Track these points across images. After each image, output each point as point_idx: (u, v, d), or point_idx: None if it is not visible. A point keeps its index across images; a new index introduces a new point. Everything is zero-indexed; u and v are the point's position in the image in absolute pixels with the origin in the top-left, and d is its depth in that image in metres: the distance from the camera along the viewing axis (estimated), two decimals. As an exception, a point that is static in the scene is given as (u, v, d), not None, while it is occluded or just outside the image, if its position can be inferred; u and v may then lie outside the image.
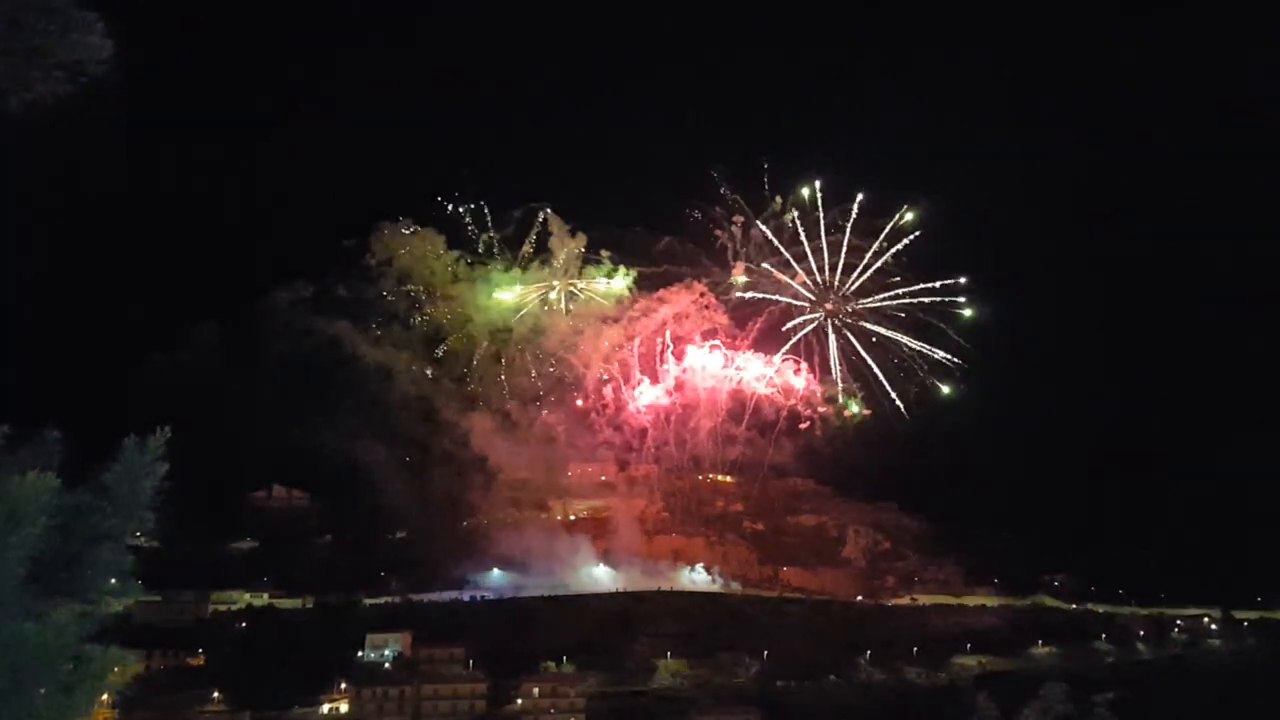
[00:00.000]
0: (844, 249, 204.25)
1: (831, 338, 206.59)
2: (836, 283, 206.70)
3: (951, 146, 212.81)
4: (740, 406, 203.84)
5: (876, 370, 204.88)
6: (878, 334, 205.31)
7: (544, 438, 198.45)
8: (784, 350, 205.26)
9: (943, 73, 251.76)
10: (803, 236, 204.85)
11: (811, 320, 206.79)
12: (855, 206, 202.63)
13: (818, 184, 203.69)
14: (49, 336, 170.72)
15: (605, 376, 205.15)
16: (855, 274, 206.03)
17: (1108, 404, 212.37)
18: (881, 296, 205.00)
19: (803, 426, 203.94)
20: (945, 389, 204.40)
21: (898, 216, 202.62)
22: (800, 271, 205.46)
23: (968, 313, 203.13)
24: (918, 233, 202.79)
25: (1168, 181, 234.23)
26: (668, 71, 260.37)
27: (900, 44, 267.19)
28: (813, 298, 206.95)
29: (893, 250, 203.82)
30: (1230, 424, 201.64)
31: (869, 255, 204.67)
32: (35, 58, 8.49)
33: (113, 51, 8.70)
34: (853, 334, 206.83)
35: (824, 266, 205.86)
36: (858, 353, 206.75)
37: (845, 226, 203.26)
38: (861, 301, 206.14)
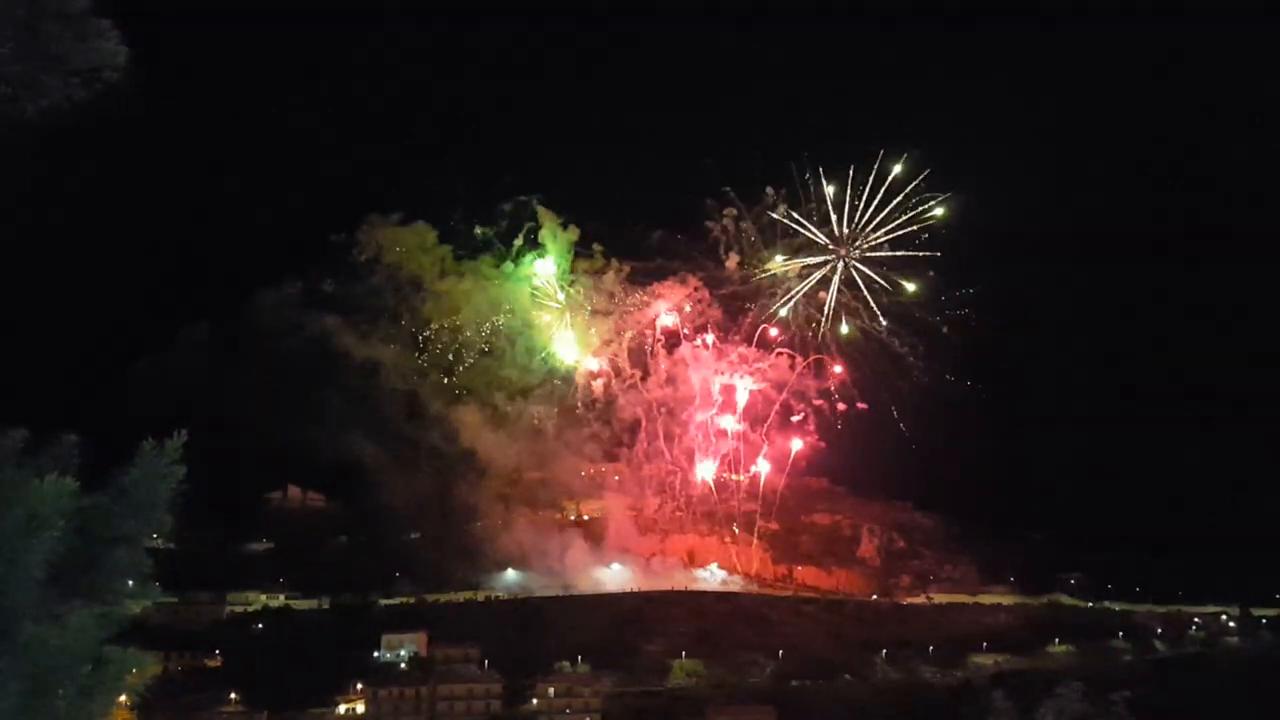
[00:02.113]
0: (844, 213, 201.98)
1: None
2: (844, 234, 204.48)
3: (964, 145, 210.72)
4: (733, 400, 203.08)
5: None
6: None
7: (532, 432, 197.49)
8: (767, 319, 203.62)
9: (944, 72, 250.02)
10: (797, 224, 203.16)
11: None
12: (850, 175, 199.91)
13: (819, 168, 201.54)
14: (63, 339, 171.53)
15: (596, 370, 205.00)
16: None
17: (1124, 401, 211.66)
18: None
19: (795, 420, 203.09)
20: (911, 288, 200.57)
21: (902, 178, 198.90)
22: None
23: (939, 212, 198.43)
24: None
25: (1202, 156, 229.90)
26: (661, 63, 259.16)
27: (894, 36, 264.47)
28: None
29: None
30: (1249, 420, 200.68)
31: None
32: (51, 64, 8.55)
33: (128, 58, 8.77)
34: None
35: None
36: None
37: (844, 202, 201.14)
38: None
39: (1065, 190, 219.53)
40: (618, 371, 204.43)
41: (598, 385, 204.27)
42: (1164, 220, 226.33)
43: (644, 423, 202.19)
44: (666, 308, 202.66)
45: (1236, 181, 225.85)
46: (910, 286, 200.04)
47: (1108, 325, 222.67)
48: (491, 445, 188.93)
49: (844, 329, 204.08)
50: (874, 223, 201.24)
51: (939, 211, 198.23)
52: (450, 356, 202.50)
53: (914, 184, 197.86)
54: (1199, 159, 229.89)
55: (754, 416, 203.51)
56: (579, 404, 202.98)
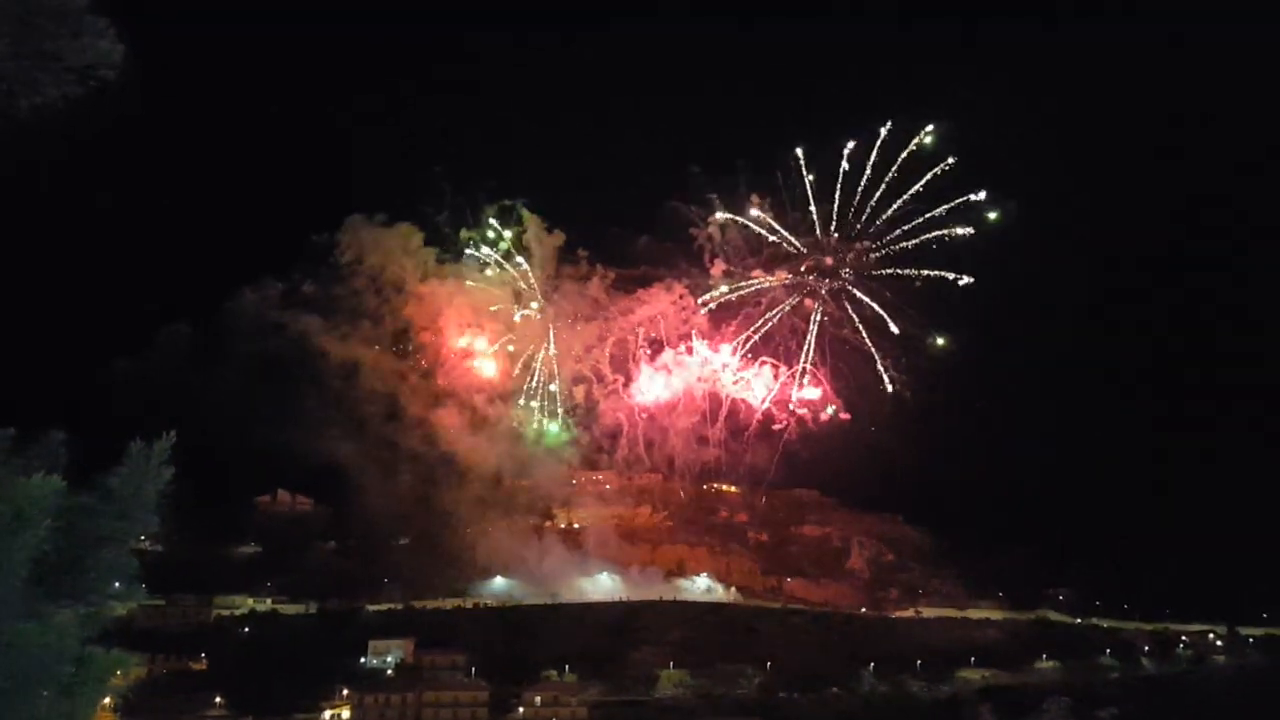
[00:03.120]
0: (835, 204, 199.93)
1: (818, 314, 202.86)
2: (833, 242, 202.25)
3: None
4: (715, 409, 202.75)
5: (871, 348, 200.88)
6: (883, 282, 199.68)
7: (514, 437, 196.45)
8: (753, 332, 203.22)
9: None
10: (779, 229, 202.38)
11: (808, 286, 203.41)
12: (844, 160, 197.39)
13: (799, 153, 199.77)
14: (48, 338, 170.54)
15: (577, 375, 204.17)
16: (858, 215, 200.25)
17: (1114, 417, 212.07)
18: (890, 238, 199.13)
19: (776, 428, 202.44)
20: (940, 341, 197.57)
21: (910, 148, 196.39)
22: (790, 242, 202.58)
23: (992, 215, 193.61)
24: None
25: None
26: (647, 72, 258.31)
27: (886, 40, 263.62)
28: (806, 266, 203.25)
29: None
30: (1240, 438, 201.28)
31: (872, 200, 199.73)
32: (46, 61, 8.53)
33: (124, 55, 8.75)
34: (850, 301, 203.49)
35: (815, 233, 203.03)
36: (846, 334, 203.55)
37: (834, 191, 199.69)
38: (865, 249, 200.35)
39: (1061, 195, 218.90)
40: (600, 377, 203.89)
41: (579, 390, 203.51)
42: (1160, 231, 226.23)
43: (625, 429, 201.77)
44: (650, 314, 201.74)
45: (1239, 188, 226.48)
46: (940, 340, 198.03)
47: (1097, 341, 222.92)
48: (475, 450, 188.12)
49: (828, 412, 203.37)
50: (865, 236, 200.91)
51: (992, 216, 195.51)
52: (432, 360, 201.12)
53: (905, 198, 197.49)
54: (1202, 159, 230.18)
55: (735, 425, 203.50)
56: (562, 411, 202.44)
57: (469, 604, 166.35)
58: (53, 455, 8.42)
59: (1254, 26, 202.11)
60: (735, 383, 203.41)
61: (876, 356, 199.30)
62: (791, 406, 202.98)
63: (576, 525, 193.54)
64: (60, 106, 8.69)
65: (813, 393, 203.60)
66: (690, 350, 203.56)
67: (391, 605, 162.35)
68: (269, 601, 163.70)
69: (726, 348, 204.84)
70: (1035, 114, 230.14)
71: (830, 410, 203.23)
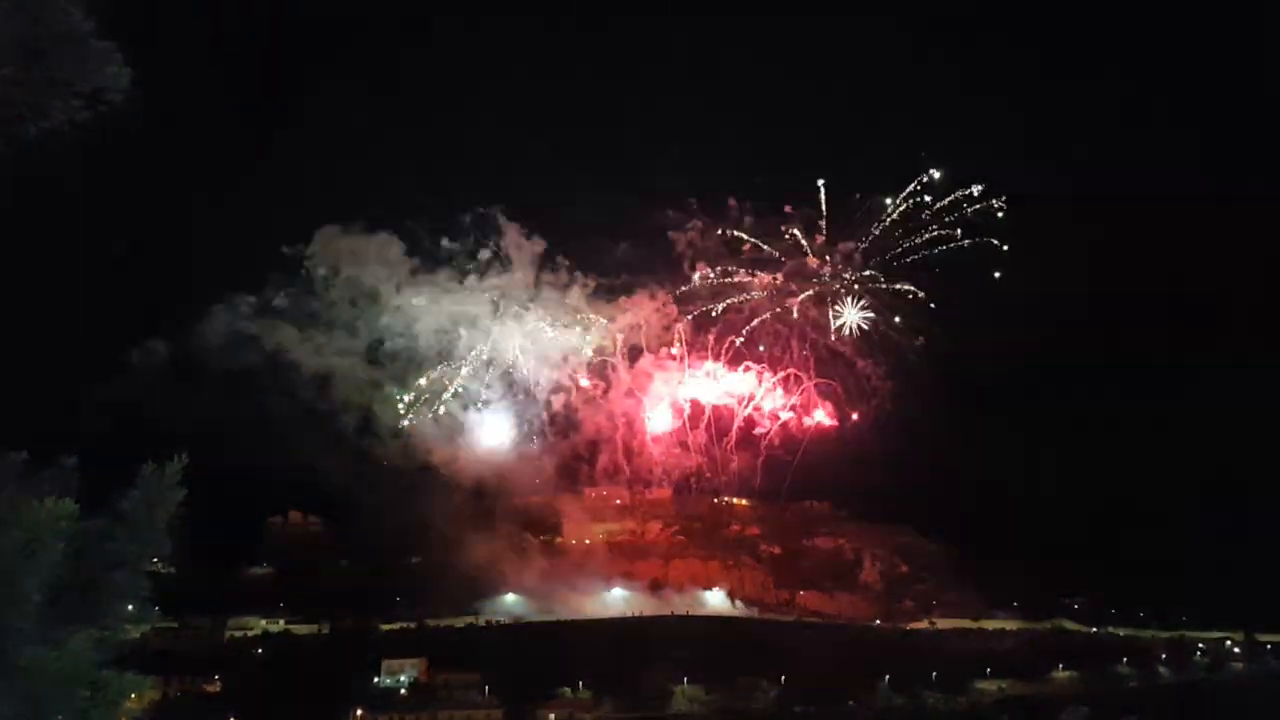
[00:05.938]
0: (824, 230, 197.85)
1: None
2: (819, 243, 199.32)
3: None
4: (697, 415, 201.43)
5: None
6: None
7: (510, 454, 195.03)
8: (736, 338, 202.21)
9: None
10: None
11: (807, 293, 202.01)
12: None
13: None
14: (59, 358, 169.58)
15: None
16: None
17: (1128, 425, 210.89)
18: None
19: (757, 433, 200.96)
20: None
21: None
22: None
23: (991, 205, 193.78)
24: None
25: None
26: (627, 77, 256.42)
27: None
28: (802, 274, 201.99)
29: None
30: (1254, 443, 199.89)
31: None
32: (54, 86, 8.57)
33: (132, 79, 8.79)
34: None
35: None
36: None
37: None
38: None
39: (1064, 190, 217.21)
40: (579, 386, 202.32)
41: (558, 399, 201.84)
42: (1167, 227, 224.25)
43: (605, 437, 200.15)
44: (632, 322, 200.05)
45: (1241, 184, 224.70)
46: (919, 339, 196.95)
47: (1109, 344, 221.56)
48: (488, 470, 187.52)
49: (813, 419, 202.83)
50: (856, 240, 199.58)
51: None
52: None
53: (894, 209, 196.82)
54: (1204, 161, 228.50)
55: (716, 431, 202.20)
56: (545, 419, 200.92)
57: (481, 622, 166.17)
58: (65, 479, 8.43)
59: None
60: (718, 390, 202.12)
61: (859, 362, 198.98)
62: (776, 412, 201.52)
63: (587, 541, 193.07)
64: (68, 131, 8.73)
65: (797, 398, 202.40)
66: (672, 356, 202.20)
67: (404, 624, 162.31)
68: (282, 622, 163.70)
69: (709, 354, 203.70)
70: (1033, 115, 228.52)
71: (816, 417, 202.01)
